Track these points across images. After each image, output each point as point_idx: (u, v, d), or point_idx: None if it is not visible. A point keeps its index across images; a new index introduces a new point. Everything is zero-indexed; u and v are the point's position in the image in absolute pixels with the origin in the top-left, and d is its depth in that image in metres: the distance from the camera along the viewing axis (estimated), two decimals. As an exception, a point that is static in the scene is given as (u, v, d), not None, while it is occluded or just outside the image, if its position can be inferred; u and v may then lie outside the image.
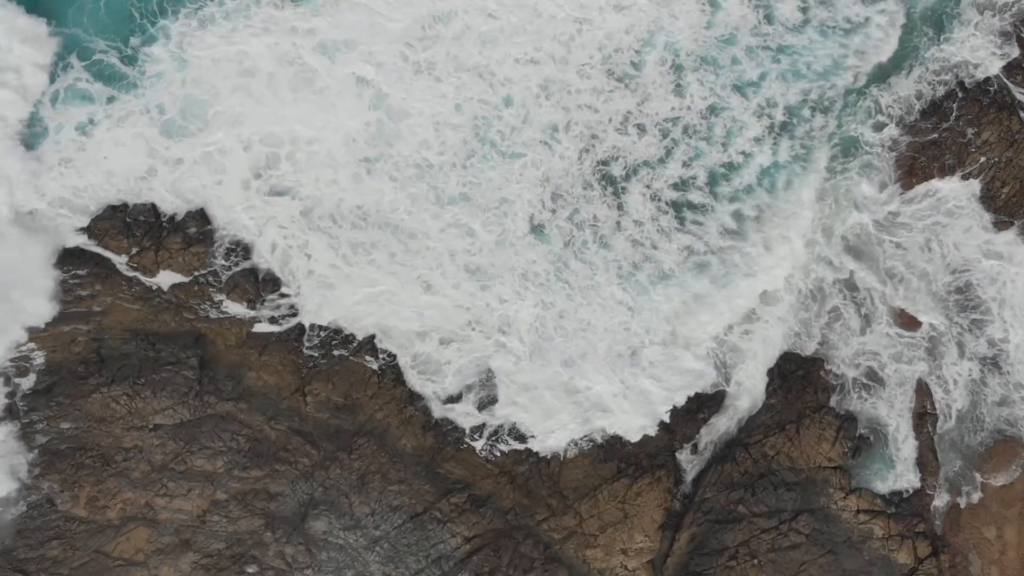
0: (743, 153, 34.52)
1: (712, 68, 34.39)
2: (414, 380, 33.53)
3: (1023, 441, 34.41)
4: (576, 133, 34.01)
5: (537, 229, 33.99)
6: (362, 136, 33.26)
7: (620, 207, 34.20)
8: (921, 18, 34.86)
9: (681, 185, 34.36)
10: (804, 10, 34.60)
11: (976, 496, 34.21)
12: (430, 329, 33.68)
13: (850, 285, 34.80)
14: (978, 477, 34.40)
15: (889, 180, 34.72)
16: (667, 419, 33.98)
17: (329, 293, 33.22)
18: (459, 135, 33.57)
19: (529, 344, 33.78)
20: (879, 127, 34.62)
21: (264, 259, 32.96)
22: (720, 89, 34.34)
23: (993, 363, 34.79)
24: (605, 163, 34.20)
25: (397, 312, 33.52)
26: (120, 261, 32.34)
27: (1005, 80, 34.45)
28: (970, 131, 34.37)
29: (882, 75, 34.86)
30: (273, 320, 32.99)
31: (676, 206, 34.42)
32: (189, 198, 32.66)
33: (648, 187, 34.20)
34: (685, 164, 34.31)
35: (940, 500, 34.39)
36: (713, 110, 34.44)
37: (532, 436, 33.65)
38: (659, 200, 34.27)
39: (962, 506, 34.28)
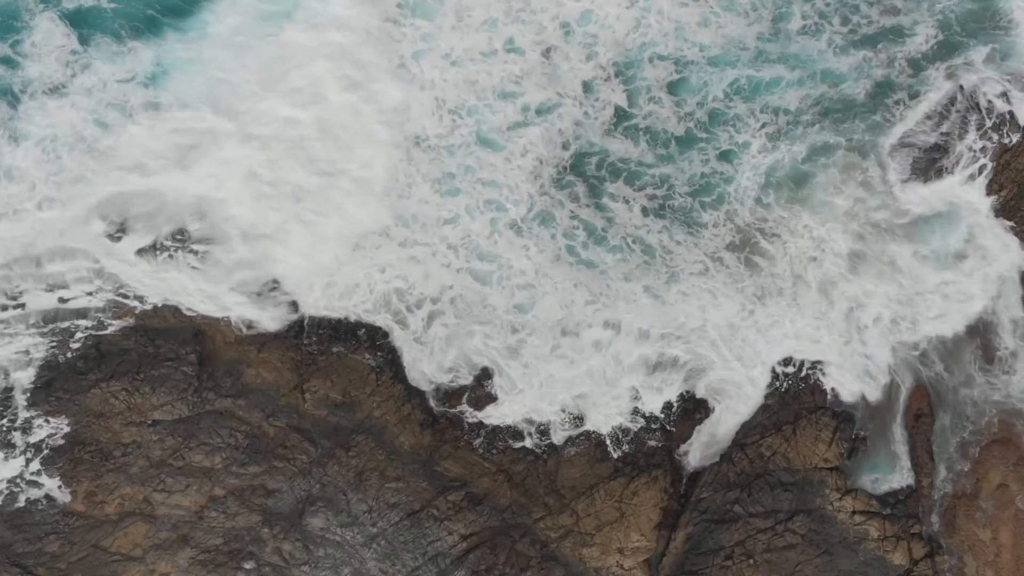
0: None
1: (721, 70, 34.70)
2: (413, 358, 33.52)
3: (1016, 440, 34.51)
4: (568, 128, 34.33)
5: (545, 215, 34.20)
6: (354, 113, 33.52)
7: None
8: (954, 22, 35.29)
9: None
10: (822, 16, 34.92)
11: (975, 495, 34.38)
12: (428, 301, 33.78)
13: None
14: (972, 477, 34.50)
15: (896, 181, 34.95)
16: (672, 427, 34.23)
17: (328, 275, 33.36)
18: (456, 118, 33.79)
19: (534, 339, 33.96)
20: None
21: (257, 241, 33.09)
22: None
23: (985, 359, 34.96)
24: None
25: (400, 290, 33.69)
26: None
27: (1003, 84, 34.73)
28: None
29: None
30: (272, 317, 33.06)
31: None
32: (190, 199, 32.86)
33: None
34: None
35: (936, 501, 34.43)
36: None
37: (529, 434, 33.73)
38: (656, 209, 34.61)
39: (957, 507, 34.34)
